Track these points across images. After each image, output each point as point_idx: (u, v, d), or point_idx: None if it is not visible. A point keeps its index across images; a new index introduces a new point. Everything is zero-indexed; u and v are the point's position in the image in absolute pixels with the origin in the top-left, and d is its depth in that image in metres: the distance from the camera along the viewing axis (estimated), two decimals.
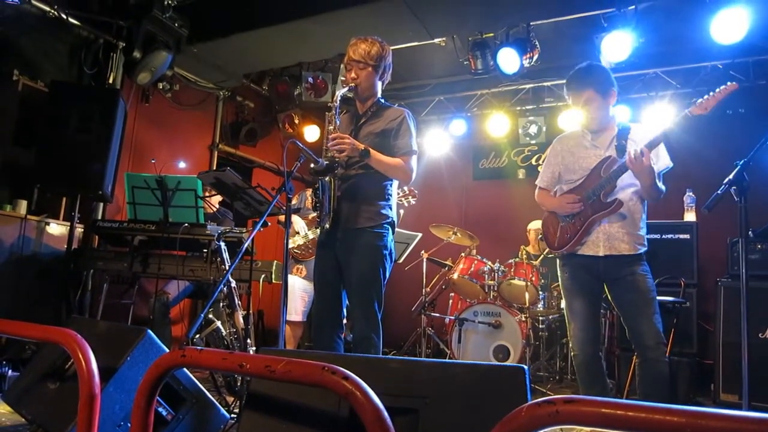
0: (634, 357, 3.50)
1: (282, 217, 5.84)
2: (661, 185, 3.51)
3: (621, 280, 3.50)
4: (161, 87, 6.85)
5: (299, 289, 5.80)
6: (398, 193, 5.89)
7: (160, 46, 5.88)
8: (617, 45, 5.65)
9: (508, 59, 6.19)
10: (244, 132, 8.01)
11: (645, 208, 3.63)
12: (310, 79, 7.17)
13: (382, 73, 3.57)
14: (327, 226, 3.37)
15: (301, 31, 6.17)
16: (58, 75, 5.81)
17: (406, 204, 5.93)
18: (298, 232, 5.87)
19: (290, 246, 5.88)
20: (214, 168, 7.65)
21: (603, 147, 3.67)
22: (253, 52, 6.74)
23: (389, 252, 3.44)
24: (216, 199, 6.12)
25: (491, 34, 6.43)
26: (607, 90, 3.64)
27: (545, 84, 7.79)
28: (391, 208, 3.50)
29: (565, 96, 3.83)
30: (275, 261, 4.99)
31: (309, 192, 6.27)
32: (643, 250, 3.55)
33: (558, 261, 3.78)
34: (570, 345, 3.74)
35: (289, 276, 6.09)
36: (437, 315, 6.75)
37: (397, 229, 3.69)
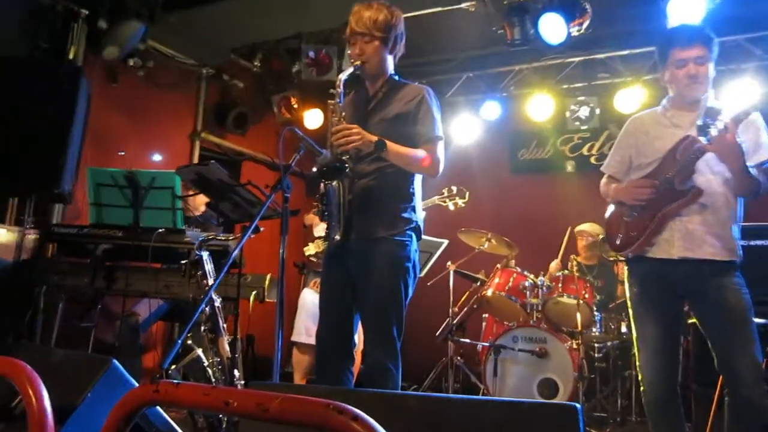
0: (717, 393, 3.44)
1: (310, 218, 5.75)
2: (758, 175, 3.38)
3: (706, 295, 3.38)
4: (132, 64, 6.87)
5: (313, 305, 5.77)
6: (444, 194, 5.89)
7: (130, 14, 5.92)
8: (688, 7, 5.61)
9: (553, 26, 6.15)
10: (231, 117, 8.03)
11: (740, 206, 3.51)
12: (312, 54, 7.18)
13: (392, 46, 3.57)
14: (337, 237, 3.38)
15: None
16: (4, 49, 5.83)
17: (452, 207, 5.90)
18: (319, 237, 5.84)
19: (309, 254, 5.87)
20: (196, 161, 7.67)
21: (685, 126, 3.57)
22: (243, 20, 6.75)
23: (413, 265, 3.43)
24: (201, 201, 6.14)
25: None
26: (714, 55, 3.53)
27: (598, 56, 7.75)
28: (414, 211, 3.48)
29: (661, 59, 3.68)
30: (269, 275, 4.96)
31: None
32: (735, 258, 3.42)
33: (626, 271, 3.73)
34: (639, 379, 3.66)
35: (305, 290, 6.10)
36: (468, 341, 6.71)
37: None
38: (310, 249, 5.85)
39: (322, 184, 3.38)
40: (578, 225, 7.24)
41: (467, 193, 5.93)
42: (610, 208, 3.84)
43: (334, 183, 3.35)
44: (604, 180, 3.91)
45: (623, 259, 3.75)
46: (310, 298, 5.95)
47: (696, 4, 5.60)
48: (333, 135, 3.34)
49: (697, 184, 3.45)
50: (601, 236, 6.72)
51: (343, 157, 3.32)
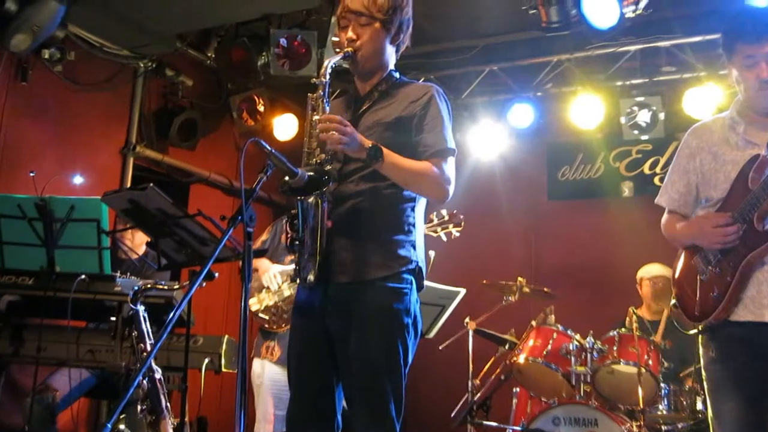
0: None
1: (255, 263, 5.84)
2: None
3: None
4: (47, 56, 6.89)
5: (271, 382, 5.76)
6: (433, 220, 5.90)
7: None
8: None
9: (601, 5, 6.20)
10: (177, 126, 8.07)
11: None
12: (283, 41, 7.22)
13: (396, 33, 3.58)
14: (311, 278, 3.35)
15: None
16: None
17: (444, 238, 5.91)
18: (266, 287, 5.84)
19: (254, 309, 5.86)
20: (129, 184, 7.68)
21: (763, 143, 3.59)
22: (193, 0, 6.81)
23: (413, 319, 3.41)
24: (141, 239, 6.13)
25: None
26: None
27: (661, 44, 7.79)
28: (414, 246, 3.47)
29: (721, 53, 3.72)
30: (226, 336, 4.93)
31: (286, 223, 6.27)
32: None
33: (700, 336, 3.72)
34: None
35: (255, 360, 6.07)
36: (494, 425, 6.66)
37: (426, 282, 3.65)
38: (255, 303, 5.83)
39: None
40: (641, 267, 7.22)
41: (462, 218, 5.91)
42: (680, 260, 3.83)
43: (311, 200, 3.32)
44: (666, 217, 3.91)
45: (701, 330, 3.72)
46: (267, 372, 5.90)
47: None
48: (311, 139, 3.35)
49: None
50: (673, 299, 6.66)
51: (327, 167, 3.32)
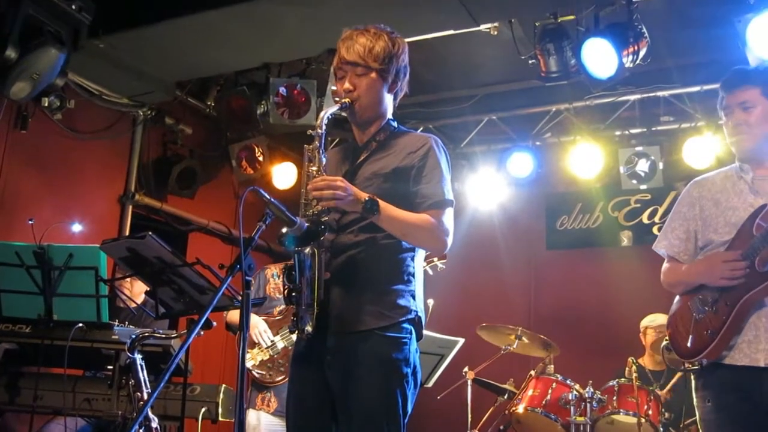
0: None
1: (233, 315, 5.83)
2: None
3: None
4: (47, 104, 6.91)
5: None
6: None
7: (47, 39, 5.97)
8: None
9: (600, 55, 6.24)
10: (176, 174, 8.10)
11: None
12: (283, 90, 7.26)
13: (393, 82, 3.60)
14: (308, 329, 3.35)
15: (269, 15, 6.31)
16: None
17: (429, 271, 5.92)
18: (257, 343, 5.83)
19: (248, 365, 5.83)
20: (128, 233, 7.69)
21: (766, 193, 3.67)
22: (193, 47, 6.89)
23: (413, 369, 3.40)
24: (139, 288, 6.12)
25: (571, 17, 6.52)
26: None
27: (660, 94, 7.86)
28: (414, 296, 3.47)
29: (718, 107, 3.84)
30: (224, 386, 4.91)
31: (272, 271, 6.26)
32: None
33: (693, 380, 3.72)
34: None
35: (250, 411, 6.04)
36: None
37: (425, 332, 3.65)
38: (249, 359, 5.80)
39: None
40: (640, 317, 7.21)
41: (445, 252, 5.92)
42: (675, 304, 3.86)
43: (308, 250, 3.33)
44: (664, 266, 3.94)
45: (693, 368, 3.74)
46: (264, 423, 5.87)
47: None
48: (309, 185, 3.35)
49: None
50: (665, 341, 6.67)
51: (324, 218, 3.33)
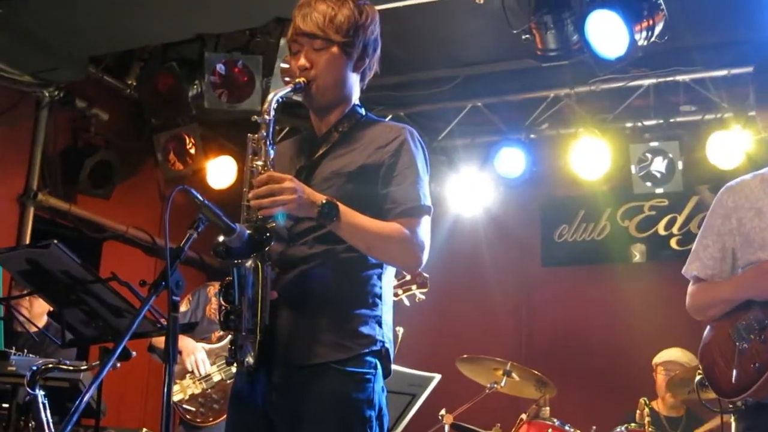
0: None
1: (158, 341, 5.81)
2: None
3: None
4: None
5: None
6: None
7: None
8: None
9: (608, 31, 6.28)
10: (88, 169, 8.05)
11: None
12: (221, 68, 7.24)
13: (359, 59, 3.58)
14: (249, 360, 3.33)
15: None
16: None
17: (407, 302, 5.93)
18: (190, 372, 5.81)
19: (177, 399, 5.82)
20: (28, 240, 7.63)
21: None
22: (111, 14, 6.83)
23: (378, 412, 3.38)
24: (40, 308, 6.08)
25: None
26: None
27: (679, 79, 7.92)
28: (380, 324, 3.45)
29: (751, 98, 3.85)
30: (144, 429, 4.88)
31: (215, 289, 6.24)
32: None
33: (734, 424, 3.74)
34: None
35: None
36: None
37: (393, 366, 3.64)
38: (178, 392, 5.80)
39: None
40: (654, 347, 7.25)
41: (426, 278, 5.93)
42: (709, 332, 3.86)
43: (249, 263, 3.31)
44: (693, 288, 3.95)
45: (732, 408, 3.75)
46: None
47: None
48: (252, 189, 3.32)
49: None
50: (698, 375, 6.69)
51: (269, 224, 3.30)
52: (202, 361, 5.81)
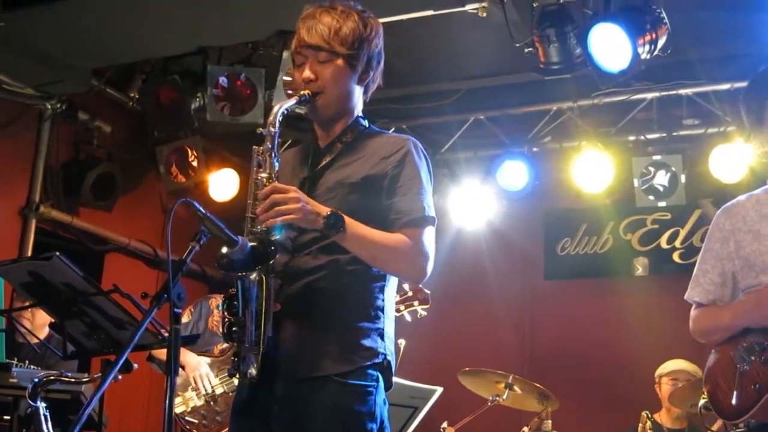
0: None
1: (158, 352, 5.79)
2: None
3: None
4: None
5: None
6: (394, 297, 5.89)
7: None
8: None
9: (611, 44, 6.27)
10: (90, 181, 8.05)
11: None
12: (223, 80, 7.24)
13: (363, 72, 3.58)
14: (252, 372, 3.32)
15: None
16: None
17: (408, 317, 5.94)
18: (194, 388, 5.79)
19: (179, 411, 5.81)
20: (30, 252, 7.63)
21: None
22: (113, 27, 6.84)
23: (379, 425, 3.37)
24: (41, 320, 6.07)
25: None
26: None
27: (683, 92, 7.91)
28: (383, 336, 3.44)
29: (742, 114, 3.86)
30: None
31: (217, 302, 6.24)
32: None
33: None
34: None
35: None
36: None
37: (395, 379, 3.63)
38: (180, 404, 5.79)
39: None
40: (657, 361, 7.23)
41: (428, 294, 5.93)
42: (713, 355, 3.85)
43: (254, 276, 3.31)
44: (695, 313, 3.94)
45: (738, 430, 3.73)
46: None
47: None
48: (256, 201, 3.31)
49: None
50: (703, 399, 6.67)
51: (271, 237, 3.29)
52: (206, 376, 5.80)
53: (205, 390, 5.78)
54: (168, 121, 7.82)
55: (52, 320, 5.33)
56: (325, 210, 3.26)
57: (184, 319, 6.07)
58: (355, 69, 3.54)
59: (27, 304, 5.29)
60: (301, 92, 3.46)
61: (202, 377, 5.79)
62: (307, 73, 3.48)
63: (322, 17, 3.49)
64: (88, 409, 3.01)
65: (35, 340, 5.83)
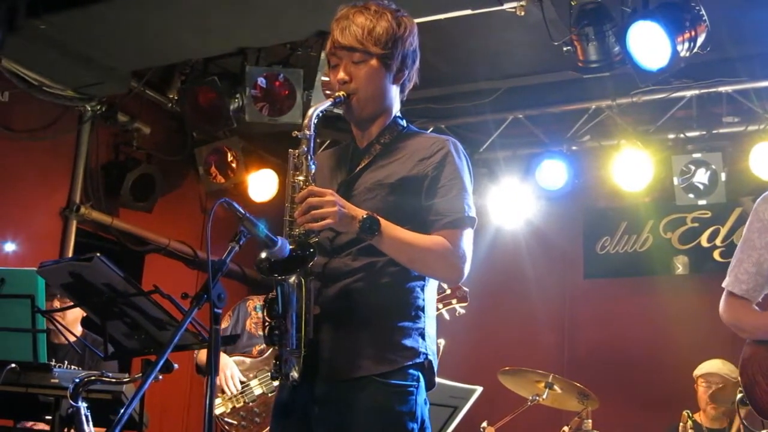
0: None
1: (204, 355, 5.80)
2: None
3: None
4: None
5: None
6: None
7: None
8: None
9: (649, 42, 6.24)
10: (130, 183, 8.09)
11: None
12: (262, 81, 7.25)
13: (399, 71, 3.57)
14: (295, 375, 3.32)
15: None
16: None
17: (446, 316, 5.92)
18: (223, 392, 5.79)
19: (218, 412, 5.82)
20: (71, 253, 7.67)
21: None
22: (153, 29, 6.89)
23: (420, 425, 3.37)
24: (73, 315, 6.10)
25: None
26: None
27: (723, 90, 7.85)
28: (423, 336, 3.43)
29: None
30: None
31: (254, 303, 6.25)
32: None
33: None
34: None
35: None
36: None
37: (436, 379, 3.63)
38: (220, 405, 5.78)
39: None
40: (697, 360, 7.19)
41: (466, 292, 5.91)
42: (750, 346, 3.83)
43: (293, 280, 3.29)
44: (725, 301, 3.92)
45: None
46: None
47: None
48: (293, 205, 3.31)
49: None
50: (740, 393, 6.61)
51: (313, 239, 3.29)
52: (231, 377, 5.79)
53: (230, 391, 5.78)
54: (207, 122, 7.83)
55: (84, 315, 5.37)
56: (360, 213, 3.25)
57: (224, 323, 6.08)
58: (390, 68, 3.53)
59: (67, 305, 5.33)
60: (336, 94, 3.46)
61: (226, 378, 5.79)
62: (341, 74, 3.48)
63: (356, 17, 3.48)
64: (129, 408, 3.03)
65: (72, 338, 5.87)
